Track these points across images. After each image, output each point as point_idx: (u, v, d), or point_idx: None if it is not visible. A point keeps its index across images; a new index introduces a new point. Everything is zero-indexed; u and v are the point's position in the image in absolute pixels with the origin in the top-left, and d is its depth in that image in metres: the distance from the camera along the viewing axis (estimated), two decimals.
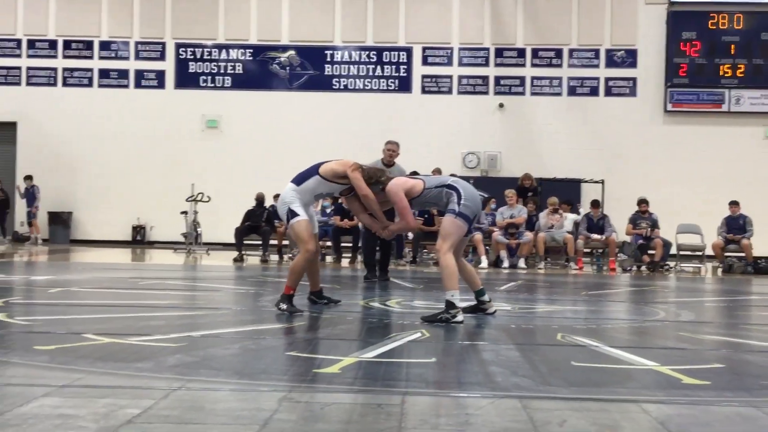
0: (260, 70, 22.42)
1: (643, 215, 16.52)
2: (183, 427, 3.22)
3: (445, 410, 3.61)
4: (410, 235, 15.97)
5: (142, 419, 3.29)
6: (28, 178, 21.37)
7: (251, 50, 22.43)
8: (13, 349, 4.92)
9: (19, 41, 22.58)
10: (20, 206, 21.75)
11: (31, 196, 21.33)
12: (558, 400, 3.82)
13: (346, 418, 3.39)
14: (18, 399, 3.57)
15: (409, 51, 22.31)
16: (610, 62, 21.99)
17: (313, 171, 7.06)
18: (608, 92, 21.99)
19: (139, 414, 3.36)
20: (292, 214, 6.95)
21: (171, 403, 3.60)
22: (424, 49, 22.29)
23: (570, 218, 16.79)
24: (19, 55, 22.56)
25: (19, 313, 6.59)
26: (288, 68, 22.40)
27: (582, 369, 4.66)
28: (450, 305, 6.49)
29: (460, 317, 6.45)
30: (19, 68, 22.54)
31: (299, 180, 7.07)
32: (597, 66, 22.01)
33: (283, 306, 6.86)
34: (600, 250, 16.73)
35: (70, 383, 3.92)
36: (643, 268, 16.00)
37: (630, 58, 21.98)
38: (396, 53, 22.34)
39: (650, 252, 16.05)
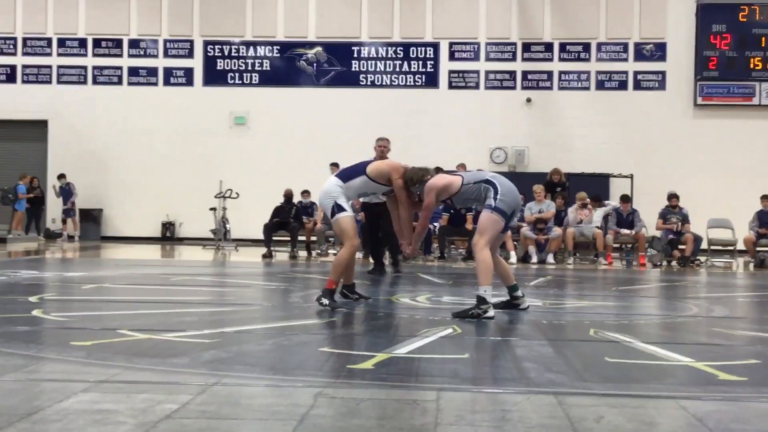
0: (287, 66, 22.48)
1: (673, 210, 16.39)
2: (221, 422, 3.24)
3: (481, 406, 3.61)
4: (436, 231, 15.95)
5: (180, 414, 3.32)
6: (62, 176, 21.59)
7: (278, 47, 22.50)
8: (50, 345, 4.98)
9: (49, 40, 22.80)
10: (51, 204, 21.98)
11: (66, 193, 21.57)
12: (594, 396, 3.80)
13: (382, 414, 3.40)
14: (57, 394, 3.61)
15: (435, 46, 22.27)
16: (639, 56, 21.82)
17: (360, 170, 7.11)
18: (637, 86, 21.82)
19: (177, 409, 3.39)
20: (338, 208, 6.98)
21: (208, 398, 3.62)
22: (451, 44, 22.24)
23: (599, 212, 16.68)
24: (49, 54, 22.79)
25: (55, 310, 6.66)
26: (315, 65, 22.44)
27: (616, 365, 4.64)
28: (482, 300, 6.48)
29: (491, 313, 6.45)
30: (49, 67, 22.77)
31: (345, 176, 7.12)
32: (626, 60, 21.85)
33: (325, 301, 6.88)
34: (629, 246, 16.61)
35: (108, 379, 3.97)
36: (674, 263, 15.87)
37: (659, 51, 21.79)
38: (423, 49, 22.31)
39: (681, 247, 15.91)
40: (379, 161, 7.21)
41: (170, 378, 4.04)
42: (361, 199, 11.16)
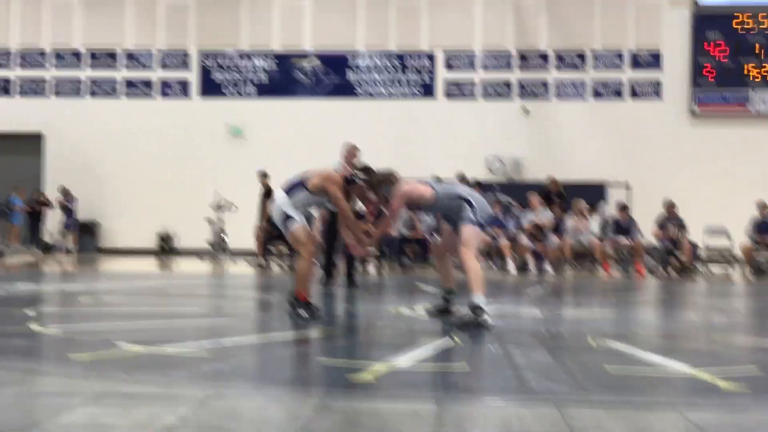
0: (284, 77, 22.51)
1: (670, 218, 16.40)
2: None
3: (482, 417, 3.59)
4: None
5: (181, 427, 3.30)
6: (65, 190, 21.54)
7: (275, 58, 22.53)
8: (48, 359, 4.96)
9: (44, 52, 22.81)
10: (49, 217, 21.91)
11: (69, 206, 21.55)
12: (595, 406, 3.79)
13: (382, 426, 3.38)
14: (56, 409, 3.59)
15: (432, 56, 22.31)
16: (635, 64, 21.88)
17: (300, 185, 7.11)
18: (633, 94, 21.87)
19: (177, 422, 3.37)
20: (288, 218, 7.03)
21: (208, 411, 3.61)
22: (447, 53, 22.28)
23: (596, 220, 16.68)
24: (45, 67, 22.79)
25: (52, 323, 6.64)
26: (312, 75, 22.46)
27: (617, 374, 4.63)
28: (477, 308, 6.52)
29: (488, 319, 6.49)
30: (45, 80, 22.77)
31: (288, 191, 7.14)
32: (621, 68, 21.90)
33: (303, 313, 6.89)
34: (628, 254, 16.60)
35: (107, 392, 3.95)
36: (671, 271, 15.87)
37: (654, 59, 21.85)
38: (419, 59, 22.35)
39: (678, 255, 15.92)
40: (316, 175, 7.12)
41: (169, 390, 4.02)
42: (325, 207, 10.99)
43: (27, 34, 22.79)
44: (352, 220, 7.20)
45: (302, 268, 7.04)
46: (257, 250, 17.27)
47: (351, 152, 10.78)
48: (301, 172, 7.25)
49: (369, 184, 7.09)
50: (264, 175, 17.18)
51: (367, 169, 7.25)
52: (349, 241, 7.55)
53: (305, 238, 7.04)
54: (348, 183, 7.08)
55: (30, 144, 22.72)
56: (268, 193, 17.06)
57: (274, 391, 4.08)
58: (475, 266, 6.74)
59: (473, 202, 6.89)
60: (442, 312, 7.22)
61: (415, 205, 7.04)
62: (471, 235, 6.80)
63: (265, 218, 16.81)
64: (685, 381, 4.53)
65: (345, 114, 21.92)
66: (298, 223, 7.03)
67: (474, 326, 6.40)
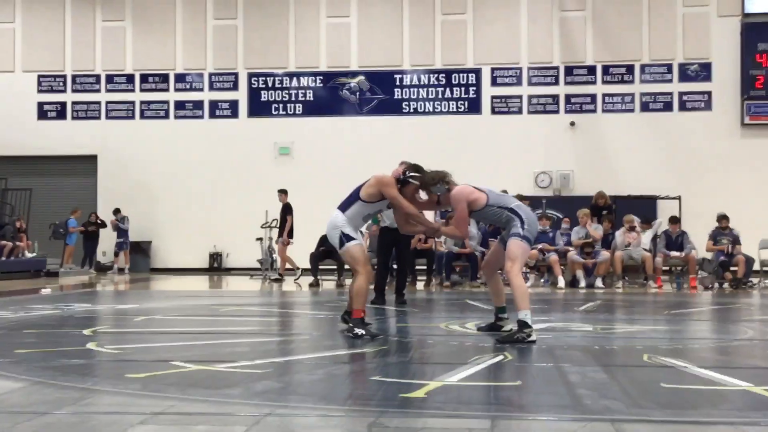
0: (330, 96, 22.69)
1: (723, 231, 16.15)
2: None
3: None
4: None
5: None
6: (117, 211, 21.97)
7: (321, 77, 22.72)
8: (106, 378, 5.03)
9: (98, 76, 23.29)
10: (102, 237, 22.30)
11: (122, 227, 21.94)
12: (652, 423, 3.74)
13: None
14: (115, 427, 3.65)
15: (477, 72, 22.32)
16: (684, 76, 21.64)
17: (354, 197, 7.13)
18: (682, 107, 21.62)
19: None
20: (346, 237, 7.00)
21: (262, 429, 3.64)
22: (493, 69, 22.27)
23: (647, 234, 16.49)
24: (98, 90, 23.27)
25: (108, 342, 6.75)
26: (358, 93, 22.61)
27: (673, 390, 4.57)
28: (523, 324, 6.52)
29: (533, 336, 6.48)
30: (98, 103, 23.24)
31: (344, 207, 7.13)
32: (670, 81, 21.68)
33: (359, 331, 6.85)
34: (680, 268, 16.38)
35: (164, 410, 4.00)
36: (726, 285, 15.61)
37: (704, 71, 21.59)
38: (465, 75, 22.37)
39: (732, 269, 15.65)
40: (368, 184, 7.11)
41: (224, 409, 4.06)
42: (383, 224, 11.00)
43: (80, 59, 23.30)
44: (414, 211, 7.14)
45: (359, 287, 7.00)
46: (281, 265, 17.62)
47: (398, 170, 10.74)
48: (355, 188, 7.24)
49: (422, 183, 7.05)
50: (284, 192, 17.57)
51: (418, 168, 7.20)
52: (414, 232, 7.42)
53: (363, 258, 7.06)
54: (400, 183, 7.06)
55: (85, 166, 23.21)
56: (286, 210, 17.33)
57: (328, 409, 4.10)
58: (520, 283, 6.72)
59: (523, 217, 6.83)
60: (494, 329, 7.19)
61: (471, 208, 6.93)
62: (518, 250, 6.75)
63: (286, 233, 17.32)
64: (743, 396, 4.46)
65: (391, 131, 22.01)
66: (356, 243, 7.04)
67: (521, 343, 6.37)
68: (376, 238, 11.34)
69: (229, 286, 17.07)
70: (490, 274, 7.40)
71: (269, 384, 4.71)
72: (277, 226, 18.08)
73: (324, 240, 16.78)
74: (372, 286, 11.37)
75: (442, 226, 7.44)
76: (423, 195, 7.22)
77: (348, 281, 16.28)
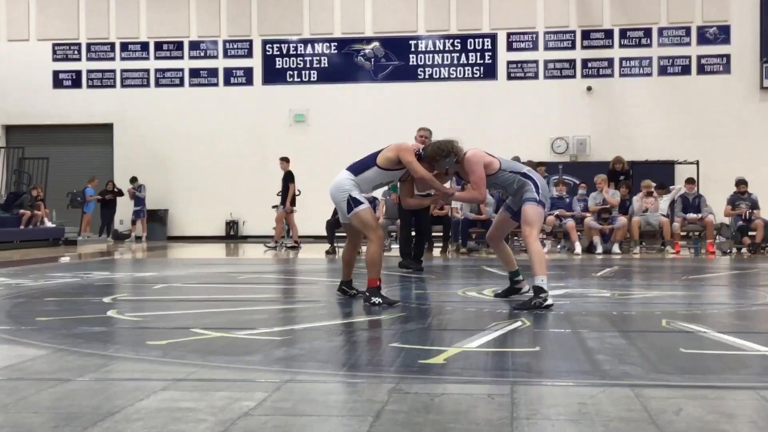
0: (345, 63, 22.59)
1: (742, 196, 16.04)
2: (298, 419, 3.28)
3: (556, 400, 3.58)
4: None
5: (259, 411, 3.36)
6: (134, 179, 22.08)
7: (336, 44, 22.61)
8: (127, 345, 5.08)
9: (113, 44, 23.28)
10: (119, 205, 22.42)
11: (139, 195, 22.06)
12: (671, 388, 3.74)
13: (457, 409, 3.39)
14: (138, 393, 3.69)
15: (493, 37, 22.14)
16: (702, 39, 21.40)
17: (370, 162, 6.87)
18: (701, 70, 21.41)
19: (255, 406, 3.43)
20: (354, 202, 6.76)
21: (284, 395, 3.66)
22: (509, 34, 22.09)
23: (665, 200, 16.41)
24: (113, 58, 23.27)
25: (128, 310, 6.80)
26: (373, 60, 22.50)
27: (692, 355, 4.57)
28: (539, 290, 6.52)
29: (550, 301, 6.49)
30: (113, 71, 23.25)
31: (357, 169, 6.88)
32: (688, 44, 21.45)
33: (377, 299, 6.75)
34: (697, 233, 16.32)
35: (185, 377, 4.04)
36: (744, 250, 15.54)
37: (723, 34, 21.33)
38: (480, 40, 22.20)
39: (751, 233, 15.57)
40: (387, 149, 6.87)
41: (245, 375, 4.09)
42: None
43: (95, 27, 23.27)
44: (432, 179, 6.88)
45: (373, 254, 6.79)
46: (276, 233, 17.97)
47: (422, 135, 10.71)
48: (370, 153, 7.03)
49: (429, 158, 6.82)
50: (285, 160, 17.70)
51: (440, 146, 6.89)
52: (416, 205, 7.42)
53: (374, 223, 6.90)
54: (418, 158, 6.86)
55: (101, 134, 23.28)
56: (288, 178, 17.47)
57: (348, 375, 4.13)
58: (538, 248, 6.69)
59: (537, 181, 6.80)
60: (511, 293, 7.19)
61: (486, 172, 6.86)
62: (535, 214, 6.71)
63: (289, 201, 17.49)
64: (763, 361, 4.45)
65: (406, 97, 21.91)
66: (366, 207, 6.82)
67: (537, 308, 6.38)
68: (396, 206, 11.39)
69: (246, 254, 17.14)
70: (497, 244, 7.33)
71: (289, 351, 4.74)
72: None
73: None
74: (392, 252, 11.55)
75: (458, 192, 7.27)
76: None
77: (363, 248, 16.35)
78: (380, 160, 6.84)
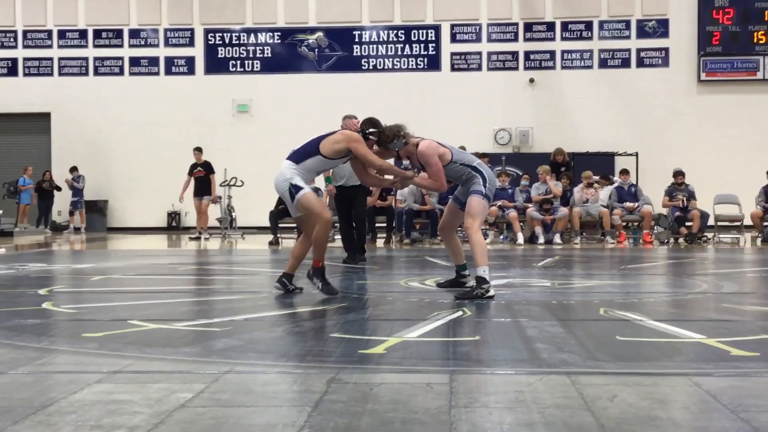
0: (289, 53, 22.44)
1: (679, 187, 16.36)
2: (236, 410, 3.25)
3: (494, 388, 3.61)
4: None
5: (195, 403, 3.32)
6: (74, 169, 21.67)
7: (279, 33, 22.45)
8: (62, 337, 4.99)
9: (50, 32, 22.78)
10: (57, 196, 21.99)
11: (77, 185, 21.65)
12: (607, 375, 3.80)
13: (396, 398, 3.40)
14: (72, 386, 3.62)
15: (437, 29, 22.20)
16: (642, 33, 21.74)
17: (313, 150, 6.73)
18: (640, 63, 21.75)
19: (192, 398, 3.40)
20: (295, 188, 6.63)
21: (222, 386, 3.63)
22: (453, 26, 22.17)
23: (605, 191, 16.66)
24: (50, 46, 22.77)
25: (65, 302, 6.68)
26: (316, 50, 22.39)
27: (628, 343, 4.64)
28: (482, 281, 6.60)
29: (492, 292, 6.57)
30: (51, 59, 22.76)
31: (298, 158, 6.76)
32: (628, 37, 21.77)
33: (318, 282, 6.74)
34: (636, 224, 16.60)
35: (121, 369, 3.97)
36: (681, 240, 15.85)
37: (662, 27, 21.70)
38: (424, 31, 22.24)
39: (688, 224, 15.89)
40: (331, 139, 6.74)
41: (183, 367, 4.05)
42: (337, 183, 10.82)
43: (32, 14, 22.76)
44: (390, 166, 6.88)
45: (319, 237, 6.66)
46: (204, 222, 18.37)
47: (354, 123, 10.58)
48: (309, 140, 6.87)
49: (379, 140, 6.83)
50: (199, 151, 18.26)
51: (375, 123, 6.93)
52: (377, 184, 7.41)
53: (318, 204, 6.78)
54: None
55: (38, 124, 22.79)
56: (209, 168, 18.13)
57: (287, 366, 4.11)
58: (480, 239, 6.78)
59: (485, 175, 6.86)
60: (455, 286, 7.22)
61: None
62: (479, 207, 6.79)
63: (215, 192, 17.97)
64: (696, 348, 4.54)
65: (350, 88, 21.85)
66: (307, 190, 6.67)
67: (479, 299, 6.44)
68: (333, 197, 11.19)
69: (188, 245, 16.95)
70: (448, 234, 7.35)
71: (228, 342, 4.69)
72: (231, 184, 18.21)
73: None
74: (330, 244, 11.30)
75: (416, 177, 7.19)
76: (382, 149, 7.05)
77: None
78: (327, 151, 6.72)
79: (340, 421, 3.04)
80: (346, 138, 6.78)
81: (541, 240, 15.60)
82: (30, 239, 18.40)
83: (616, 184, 16.87)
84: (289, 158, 6.86)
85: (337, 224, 11.56)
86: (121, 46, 22.67)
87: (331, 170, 10.32)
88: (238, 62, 22.52)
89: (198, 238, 17.48)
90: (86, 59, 22.71)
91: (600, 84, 21.70)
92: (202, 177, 18.15)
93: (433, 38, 22.20)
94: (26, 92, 22.61)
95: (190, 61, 22.58)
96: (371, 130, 6.89)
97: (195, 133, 22.10)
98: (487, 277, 6.61)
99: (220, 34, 22.51)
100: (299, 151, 6.86)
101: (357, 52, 22.34)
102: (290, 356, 4.36)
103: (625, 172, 16.89)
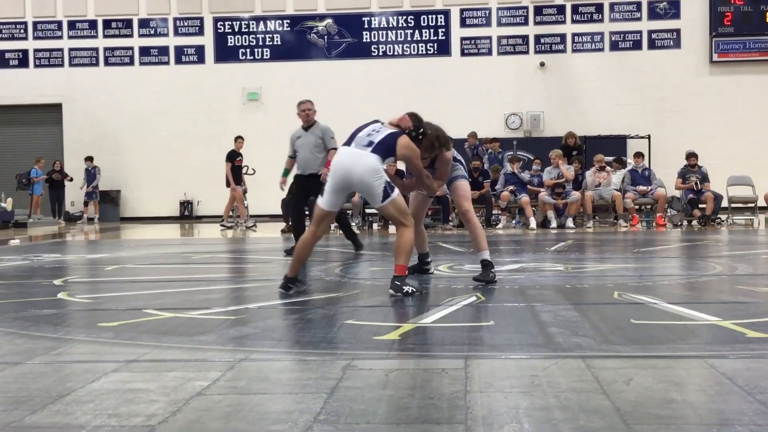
0: (298, 40, 22.41)
1: (692, 169, 16.28)
2: (251, 397, 3.26)
3: (509, 372, 3.61)
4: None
5: (212, 391, 3.34)
6: (89, 159, 21.74)
7: (288, 21, 22.41)
8: (78, 327, 5.01)
9: (59, 23, 22.81)
10: (70, 187, 22.08)
11: (91, 176, 21.73)
12: (622, 359, 3.80)
13: (412, 384, 3.40)
14: (89, 375, 3.64)
15: (446, 13, 22.11)
16: (653, 14, 21.58)
17: (392, 151, 6.14)
18: (652, 45, 21.61)
19: (208, 386, 3.41)
20: (391, 188, 6.06)
21: (237, 374, 3.64)
22: (462, 10, 22.07)
23: (619, 174, 16.60)
24: (60, 37, 22.81)
25: (80, 292, 6.71)
26: (326, 37, 22.35)
27: (643, 326, 4.63)
28: (490, 264, 6.68)
29: (495, 276, 6.68)
30: (61, 50, 22.80)
31: (383, 153, 6.10)
32: (639, 19, 21.63)
33: (408, 288, 6.03)
34: (649, 207, 16.54)
35: (137, 358, 3.99)
36: (694, 222, 15.79)
37: (673, 9, 21.54)
38: (433, 16, 22.16)
39: (701, 206, 15.83)
40: (400, 143, 6.13)
41: (198, 355, 4.06)
42: (294, 171, 10.49)
43: (41, 5, 22.78)
44: (427, 175, 6.54)
45: (408, 240, 6.14)
46: (225, 214, 18.19)
47: (306, 108, 10.43)
48: (376, 131, 6.20)
49: (433, 144, 6.50)
50: (242, 139, 17.79)
51: (421, 123, 6.45)
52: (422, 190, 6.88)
53: (406, 208, 6.29)
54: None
55: (49, 115, 22.85)
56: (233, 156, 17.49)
57: (302, 353, 4.12)
58: (479, 223, 6.96)
59: (462, 160, 7.01)
60: (421, 272, 7.28)
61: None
62: (468, 190, 6.95)
63: (233, 182, 17.28)
64: (712, 331, 4.52)
65: (360, 74, 21.83)
66: (399, 193, 6.15)
67: (487, 282, 6.46)
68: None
69: (201, 234, 17.00)
70: (416, 225, 6.92)
71: (243, 329, 4.71)
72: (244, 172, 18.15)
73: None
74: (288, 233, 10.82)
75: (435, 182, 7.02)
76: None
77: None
78: (401, 156, 6.22)
79: (357, 408, 3.04)
80: (412, 151, 6.24)
81: (554, 224, 15.57)
82: (44, 230, 18.48)
83: (629, 167, 16.80)
84: (372, 151, 6.09)
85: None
86: (130, 36, 22.68)
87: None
88: (248, 50, 22.50)
89: (234, 227, 17.40)
90: (96, 50, 22.73)
91: (611, 66, 21.58)
92: (242, 166, 17.96)
93: (443, 23, 22.12)
94: (37, 84, 22.66)
95: (199, 50, 22.57)
96: (420, 130, 6.39)
97: (205, 121, 22.15)
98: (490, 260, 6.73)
99: (230, 23, 22.48)
100: (381, 145, 6.12)
101: (366, 38, 22.29)
102: (305, 343, 4.37)
103: (639, 155, 16.82)
